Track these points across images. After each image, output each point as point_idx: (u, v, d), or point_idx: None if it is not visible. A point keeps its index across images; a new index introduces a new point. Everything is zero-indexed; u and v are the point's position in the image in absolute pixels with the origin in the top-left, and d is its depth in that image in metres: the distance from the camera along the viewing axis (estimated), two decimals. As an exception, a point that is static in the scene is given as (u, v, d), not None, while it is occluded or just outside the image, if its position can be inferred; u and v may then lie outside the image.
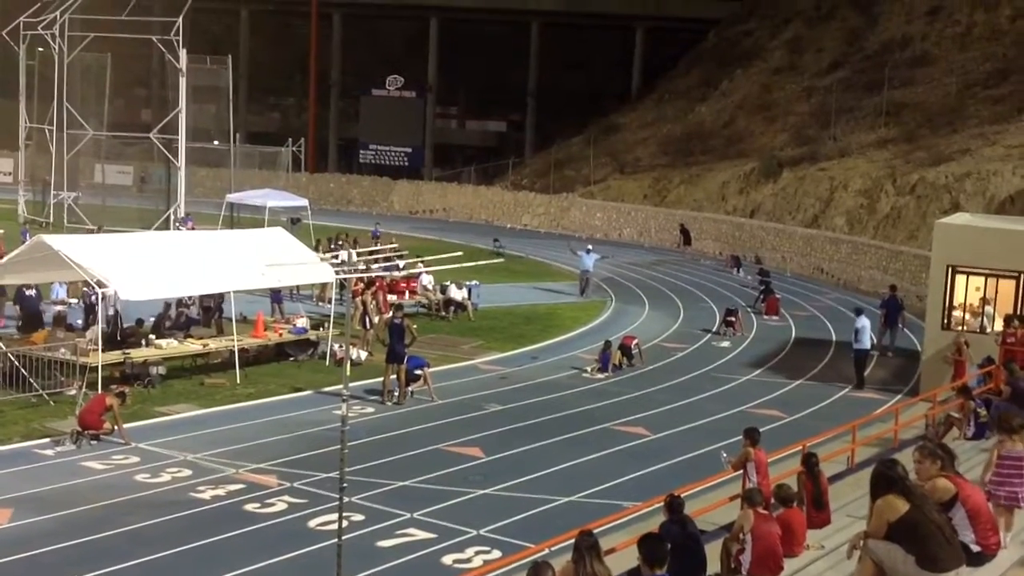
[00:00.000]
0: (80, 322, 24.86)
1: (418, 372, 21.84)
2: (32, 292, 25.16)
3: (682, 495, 11.11)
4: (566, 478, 17.03)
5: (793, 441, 16.02)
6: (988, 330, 23.22)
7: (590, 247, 39.26)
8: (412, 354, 22.14)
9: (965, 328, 23.36)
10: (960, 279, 23.70)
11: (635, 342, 26.36)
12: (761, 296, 35.62)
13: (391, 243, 39.85)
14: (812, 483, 12.24)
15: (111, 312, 23.46)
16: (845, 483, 14.53)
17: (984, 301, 23.71)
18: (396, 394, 21.50)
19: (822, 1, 69.48)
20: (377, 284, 28.73)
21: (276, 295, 28.62)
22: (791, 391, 24.42)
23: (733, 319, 31.33)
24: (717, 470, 14.14)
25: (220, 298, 25.46)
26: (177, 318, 24.81)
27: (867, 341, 25.34)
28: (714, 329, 31.41)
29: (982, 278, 23.65)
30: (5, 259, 23.01)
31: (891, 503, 8.14)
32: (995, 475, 10.79)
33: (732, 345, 29.55)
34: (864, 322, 25.32)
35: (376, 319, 26.49)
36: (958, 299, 23.85)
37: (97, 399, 18.17)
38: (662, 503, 10.88)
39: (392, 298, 28.93)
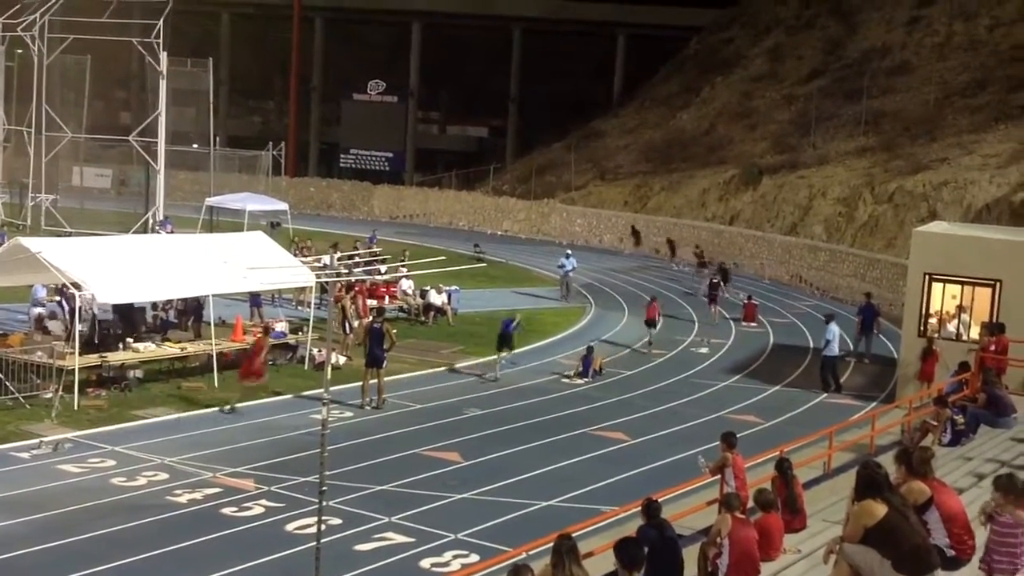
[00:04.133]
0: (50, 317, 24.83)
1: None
2: None
3: (660, 499, 11.14)
4: (544, 482, 17.05)
5: (770, 446, 16.08)
6: (964, 337, 23.34)
7: (569, 252, 39.40)
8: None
9: (939, 336, 23.48)
10: (937, 287, 23.86)
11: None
12: (713, 283, 35.34)
13: (371, 249, 39.47)
14: (785, 487, 12.30)
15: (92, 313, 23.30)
16: (821, 488, 14.56)
17: (960, 309, 23.85)
18: (375, 398, 21.47)
19: (803, 10, 69.85)
20: (357, 288, 28.67)
21: (255, 299, 28.50)
22: (768, 397, 24.52)
23: (717, 286, 33.91)
24: (695, 475, 14.18)
25: (196, 302, 25.32)
26: (154, 321, 24.69)
27: (836, 348, 25.58)
28: (694, 334, 31.44)
29: (959, 286, 23.81)
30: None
31: (868, 508, 8.19)
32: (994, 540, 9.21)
33: (710, 351, 29.63)
34: (834, 329, 25.53)
35: (356, 323, 26.43)
36: (935, 307, 24.00)
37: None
38: (639, 507, 10.90)
39: (372, 303, 28.88)
